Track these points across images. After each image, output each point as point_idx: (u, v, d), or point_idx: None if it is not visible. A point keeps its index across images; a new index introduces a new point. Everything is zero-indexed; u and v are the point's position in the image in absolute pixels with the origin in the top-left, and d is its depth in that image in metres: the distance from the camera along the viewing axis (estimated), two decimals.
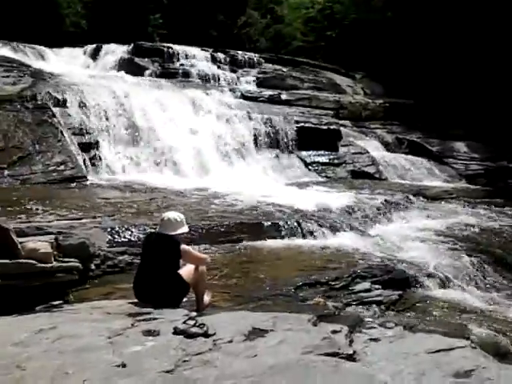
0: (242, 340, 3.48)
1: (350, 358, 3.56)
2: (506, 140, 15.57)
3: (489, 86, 16.79)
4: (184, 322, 3.50)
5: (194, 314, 4.07)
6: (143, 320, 3.67)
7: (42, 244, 4.45)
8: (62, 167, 10.74)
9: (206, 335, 3.37)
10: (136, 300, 4.33)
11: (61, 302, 4.49)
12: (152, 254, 4.35)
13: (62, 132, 11.57)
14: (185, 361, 2.93)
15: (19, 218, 6.64)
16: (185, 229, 4.57)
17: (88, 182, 10.57)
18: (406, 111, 17.50)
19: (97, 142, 12.04)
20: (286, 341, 3.57)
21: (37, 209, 7.58)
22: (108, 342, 3.04)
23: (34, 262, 4.32)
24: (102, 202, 8.67)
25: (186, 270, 4.51)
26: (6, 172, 10.17)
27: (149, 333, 3.37)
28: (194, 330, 3.37)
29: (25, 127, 11.37)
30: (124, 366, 2.70)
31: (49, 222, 6.56)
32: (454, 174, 15.14)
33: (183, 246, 4.42)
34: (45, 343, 2.98)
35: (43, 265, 4.38)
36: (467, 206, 11.27)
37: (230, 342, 3.35)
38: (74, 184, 10.26)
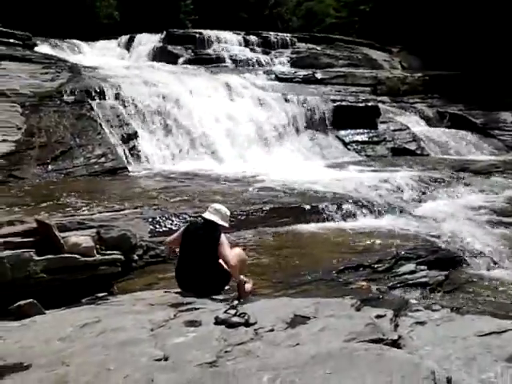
0: (283, 328, 3.45)
1: (395, 343, 3.47)
2: None
3: None
4: (225, 312, 3.49)
5: (236, 302, 4.06)
6: (185, 310, 3.69)
7: (83, 238, 4.54)
8: (103, 159, 10.94)
9: (247, 324, 3.35)
10: (179, 289, 4.37)
11: (105, 293, 4.58)
12: (194, 241, 4.37)
13: (100, 125, 11.78)
14: (226, 351, 2.92)
15: (62, 212, 6.81)
16: (226, 224, 4.61)
17: (129, 173, 10.72)
18: (446, 84, 16.87)
19: (135, 133, 12.17)
20: (328, 328, 3.51)
21: (80, 202, 7.76)
22: (151, 335, 3.07)
23: (77, 256, 4.42)
24: (143, 192, 8.78)
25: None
26: (50, 167, 10.44)
27: (191, 323, 3.38)
28: (235, 319, 3.36)
29: (65, 122, 11.62)
30: (166, 359, 2.71)
31: (91, 214, 6.70)
32: (501, 146, 14.54)
33: (223, 237, 4.42)
34: (89, 337, 3.04)
35: (86, 258, 4.47)
36: None
37: (272, 330, 3.32)
38: (116, 175, 10.41)
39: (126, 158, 11.46)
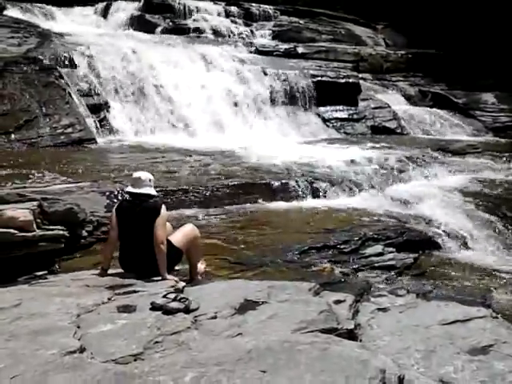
0: (229, 315, 3.14)
1: (350, 333, 3.19)
2: None
3: None
4: (164, 296, 3.16)
5: (183, 284, 3.73)
6: (122, 294, 3.36)
7: (21, 212, 4.15)
8: (70, 130, 10.45)
9: (187, 311, 3.03)
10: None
11: (45, 272, 4.22)
12: (132, 220, 4.00)
13: (69, 94, 11.22)
14: (157, 342, 2.60)
15: (17, 183, 6.39)
16: (155, 192, 4.21)
17: (97, 145, 10.29)
18: (430, 62, 16.54)
19: (106, 103, 11.67)
20: (278, 315, 3.21)
21: (39, 173, 7.35)
22: (73, 322, 2.73)
23: (13, 231, 4.04)
24: (109, 164, 8.40)
25: (177, 236, 4.17)
26: (13, 136, 9.95)
27: (124, 309, 3.05)
28: (174, 304, 3.03)
29: (31, 89, 11.04)
30: (82, 351, 2.38)
31: (45, 186, 6.29)
32: (481, 127, 14.33)
33: (164, 209, 4.04)
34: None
35: (24, 234, 4.10)
36: (493, 160, 10.60)
37: (214, 318, 3.01)
38: (83, 147, 9.99)
39: (96, 129, 11.00)
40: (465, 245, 6.15)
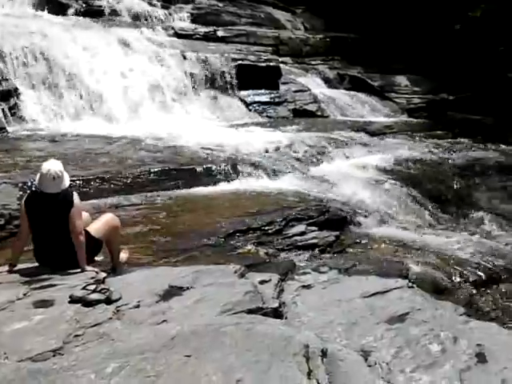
0: (153, 303, 3.08)
1: (275, 312, 3.25)
2: (446, 72, 15.43)
3: (428, 18, 16.46)
4: (83, 288, 3.04)
5: (104, 275, 3.61)
6: (39, 288, 3.20)
7: None
8: None
9: (108, 301, 2.94)
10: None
11: None
12: (44, 212, 3.79)
13: None
14: (77, 335, 2.50)
15: None
16: (67, 182, 3.92)
17: (7, 134, 9.68)
18: (347, 46, 16.96)
19: (16, 90, 10.95)
20: (204, 299, 3.20)
21: None
22: None
23: None
24: (21, 155, 7.94)
25: (95, 226, 4.02)
26: None
27: (41, 304, 2.91)
28: (94, 296, 2.93)
29: None
30: None
31: None
32: (396, 109, 14.93)
33: (77, 198, 3.86)
34: None
35: None
36: (408, 139, 11.13)
37: (137, 307, 2.95)
38: None
39: (5, 118, 10.31)
40: (383, 221, 6.42)
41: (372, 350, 2.90)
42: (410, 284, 4.39)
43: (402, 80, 16.23)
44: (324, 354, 2.46)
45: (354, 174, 8.10)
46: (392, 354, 2.89)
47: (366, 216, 6.29)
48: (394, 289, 4.08)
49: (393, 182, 7.75)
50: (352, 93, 15.11)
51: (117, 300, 2.97)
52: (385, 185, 7.75)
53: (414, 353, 2.90)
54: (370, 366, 2.75)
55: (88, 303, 2.88)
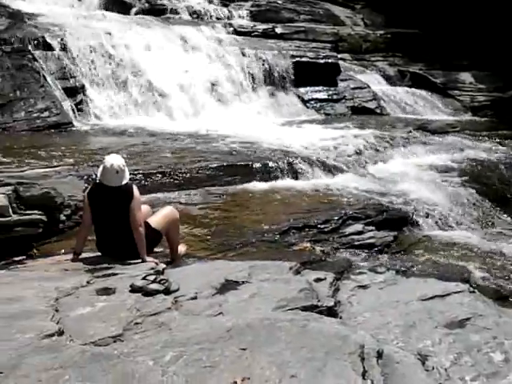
0: (209, 295, 3.14)
1: (330, 310, 3.22)
2: None
3: (494, 11, 15.75)
4: (144, 278, 3.13)
5: (163, 266, 3.71)
6: (102, 276, 3.33)
7: None
8: (46, 114, 10.24)
9: (167, 292, 3.02)
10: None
11: (23, 257, 4.15)
12: (106, 205, 3.93)
13: (44, 77, 10.96)
14: (136, 323, 2.59)
15: None
16: (128, 176, 4.05)
17: (74, 129, 10.12)
18: (408, 42, 16.53)
19: (83, 86, 11.42)
20: (259, 294, 3.22)
21: (14, 158, 7.21)
22: (51, 305, 2.70)
23: None
24: (86, 148, 8.29)
25: (156, 218, 4.13)
26: None
27: (104, 291, 3.03)
28: (154, 286, 3.02)
29: (4, 73, 10.77)
30: (61, 333, 2.36)
31: (21, 171, 6.19)
32: (459, 107, 14.43)
33: (136, 191, 3.97)
34: None
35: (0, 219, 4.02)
36: (471, 139, 10.71)
37: (195, 298, 3.01)
38: (60, 131, 9.82)
39: (73, 113, 10.80)
40: (444, 223, 6.22)
41: (430, 355, 2.82)
42: (472, 289, 4.23)
43: (466, 77, 15.65)
44: (380, 355, 2.42)
45: (413, 174, 7.89)
46: (451, 360, 2.80)
47: (426, 217, 6.12)
48: (454, 293, 3.94)
49: (455, 182, 7.49)
50: (413, 90, 14.74)
51: (175, 291, 3.05)
52: (446, 185, 7.51)
53: (474, 360, 2.79)
54: (427, 370, 2.67)
55: (148, 293, 2.97)
